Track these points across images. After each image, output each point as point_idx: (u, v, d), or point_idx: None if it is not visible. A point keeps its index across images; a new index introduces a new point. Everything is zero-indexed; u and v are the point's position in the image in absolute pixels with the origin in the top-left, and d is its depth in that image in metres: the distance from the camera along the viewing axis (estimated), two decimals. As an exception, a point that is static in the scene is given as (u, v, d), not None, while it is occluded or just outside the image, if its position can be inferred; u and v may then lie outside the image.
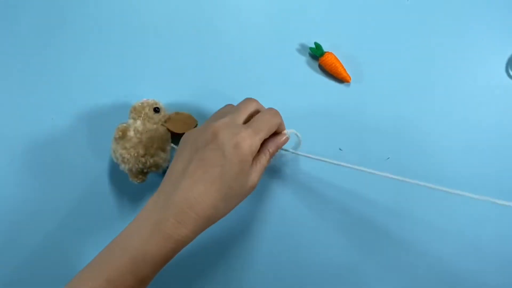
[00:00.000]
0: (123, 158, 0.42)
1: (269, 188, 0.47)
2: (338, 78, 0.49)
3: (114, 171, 0.46)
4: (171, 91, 0.48)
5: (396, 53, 0.50)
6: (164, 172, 0.40)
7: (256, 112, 0.39)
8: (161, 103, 0.46)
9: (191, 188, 0.34)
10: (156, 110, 0.44)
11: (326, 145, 0.47)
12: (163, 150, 0.44)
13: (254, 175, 0.37)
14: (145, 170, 0.43)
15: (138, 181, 0.43)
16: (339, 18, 0.51)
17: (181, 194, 0.34)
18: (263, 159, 0.38)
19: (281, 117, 0.40)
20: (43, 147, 0.46)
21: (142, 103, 0.44)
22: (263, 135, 0.36)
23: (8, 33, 0.50)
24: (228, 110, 0.40)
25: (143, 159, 0.42)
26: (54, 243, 0.44)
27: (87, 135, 0.47)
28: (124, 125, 0.42)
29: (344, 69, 0.48)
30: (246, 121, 0.38)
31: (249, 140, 0.35)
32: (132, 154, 0.41)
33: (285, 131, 0.41)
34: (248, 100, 0.40)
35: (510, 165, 0.47)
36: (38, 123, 0.47)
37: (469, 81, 0.49)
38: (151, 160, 0.42)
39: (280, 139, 0.40)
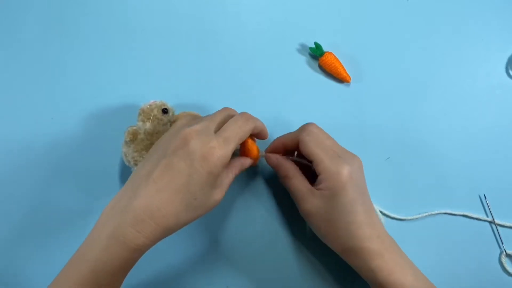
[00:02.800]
0: (136, 161, 0.41)
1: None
2: (338, 78, 0.49)
3: (124, 172, 0.46)
4: (174, 92, 0.48)
5: (396, 53, 0.50)
6: None
7: (230, 117, 0.38)
8: (169, 104, 0.46)
9: (153, 196, 0.33)
10: (165, 111, 0.43)
11: (326, 145, 0.47)
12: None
13: (219, 190, 0.36)
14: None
15: None
16: (339, 18, 0.51)
17: (142, 201, 0.32)
18: (228, 178, 0.38)
19: (257, 121, 0.39)
20: (42, 147, 0.46)
21: (150, 105, 0.43)
22: (234, 145, 0.36)
23: (9, 33, 0.49)
24: (204, 117, 0.39)
25: None
26: (57, 245, 0.44)
27: (89, 136, 0.47)
28: (134, 128, 0.42)
29: (344, 69, 0.48)
30: (219, 127, 0.37)
31: (220, 151, 0.34)
32: (144, 156, 0.41)
33: (263, 153, 0.43)
34: (224, 108, 0.40)
35: (510, 165, 0.47)
36: (37, 123, 0.47)
37: (469, 81, 0.49)
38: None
39: (245, 162, 0.40)
